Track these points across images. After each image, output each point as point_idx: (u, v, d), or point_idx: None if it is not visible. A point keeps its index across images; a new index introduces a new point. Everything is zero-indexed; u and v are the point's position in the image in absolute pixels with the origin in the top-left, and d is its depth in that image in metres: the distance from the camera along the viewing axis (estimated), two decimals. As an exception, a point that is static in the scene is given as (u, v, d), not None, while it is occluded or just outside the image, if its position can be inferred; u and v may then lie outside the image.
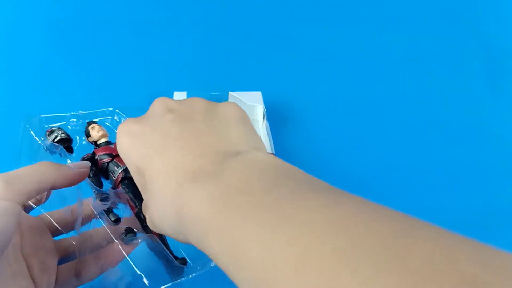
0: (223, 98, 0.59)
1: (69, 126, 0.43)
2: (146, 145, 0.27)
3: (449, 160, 0.69)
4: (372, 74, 0.75)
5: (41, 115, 0.41)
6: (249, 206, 0.20)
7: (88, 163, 0.34)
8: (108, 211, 0.36)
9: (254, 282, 0.18)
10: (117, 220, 0.35)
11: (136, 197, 0.34)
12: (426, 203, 0.61)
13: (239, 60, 0.69)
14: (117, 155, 0.36)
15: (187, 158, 0.25)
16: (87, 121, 0.40)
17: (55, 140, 0.38)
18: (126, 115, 0.45)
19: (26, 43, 0.66)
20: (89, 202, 0.35)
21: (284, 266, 0.17)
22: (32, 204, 0.35)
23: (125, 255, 0.33)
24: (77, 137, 0.42)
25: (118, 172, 0.35)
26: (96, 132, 0.38)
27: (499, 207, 0.60)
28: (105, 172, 0.36)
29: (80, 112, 0.43)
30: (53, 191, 0.36)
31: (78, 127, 0.43)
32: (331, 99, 0.72)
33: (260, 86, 0.62)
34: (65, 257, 0.35)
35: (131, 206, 0.35)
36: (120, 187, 0.35)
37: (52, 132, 0.39)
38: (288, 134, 0.68)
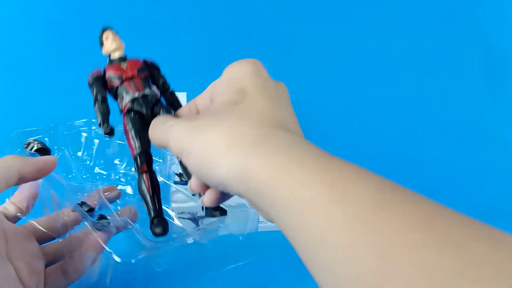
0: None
1: (46, 139, 0.44)
2: None
3: (449, 159, 0.69)
4: (371, 74, 0.76)
5: (17, 130, 0.42)
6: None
7: (54, 158, 0.33)
8: (82, 204, 0.36)
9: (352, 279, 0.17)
10: (91, 210, 0.35)
11: (137, 136, 0.32)
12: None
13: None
14: (127, 79, 0.33)
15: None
16: (102, 27, 0.35)
17: (32, 150, 0.38)
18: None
19: (26, 44, 0.66)
20: (69, 208, 0.35)
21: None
22: (19, 215, 0.35)
23: (102, 244, 0.33)
24: (55, 147, 0.42)
25: (126, 100, 0.33)
26: (109, 43, 0.34)
27: (499, 207, 0.60)
28: (115, 94, 0.34)
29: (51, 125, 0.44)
30: (36, 202, 0.37)
31: (55, 139, 0.44)
32: (331, 99, 0.72)
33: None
34: (52, 261, 0.35)
35: (130, 146, 0.32)
36: (125, 119, 0.32)
37: (28, 144, 0.40)
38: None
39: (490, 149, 0.70)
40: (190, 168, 0.26)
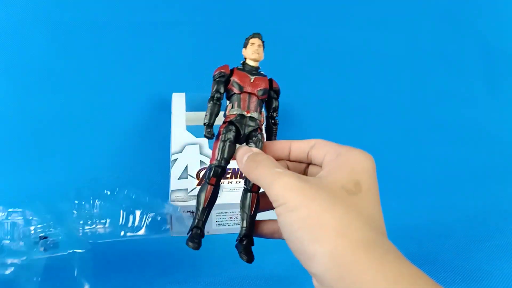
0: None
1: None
2: None
3: (449, 159, 0.69)
4: (371, 74, 0.75)
5: None
6: None
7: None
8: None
9: None
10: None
11: (225, 148, 0.32)
12: (426, 203, 0.61)
13: (239, 61, 0.69)
14: (246, 93, 0.33)
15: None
16: (254, 32, 0.36)
17: None
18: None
19: (26, 45, 0.66)
20: None
21: None
22: None
23: None
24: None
25: (233, 111, 0.33)
26: (252, 50, 0.34)
27: (499, 207, 0.60)
28: (229, 97, 0.34)
29: None
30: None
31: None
32: (330, 99, 0.72)
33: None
34: None
35: (213, 153, 0.33)
36: (223, 129, 0.33)
37: None
38: (287, 135, 0.68)
39: (490, 149, 0.70)
40: (284, 222, 0.26)
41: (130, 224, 0.45)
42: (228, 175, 0.51)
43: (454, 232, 0.52)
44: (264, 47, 0.35)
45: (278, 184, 0.27)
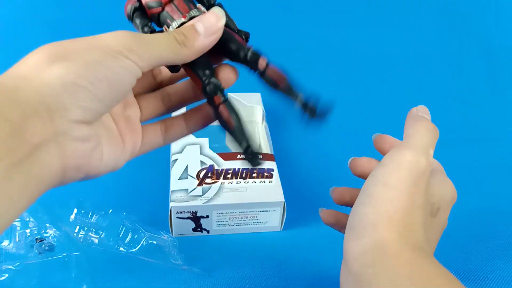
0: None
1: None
2: None
3: (449, 159, 0.69)
4: (371, 74, 0.76)
5: None
6: None
7: (219, 17, 0.27)
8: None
9: None
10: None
11: (201, 67, 0.28)
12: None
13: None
14: (166, 2, 0.28)
15: None
16: None
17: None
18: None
19: (26, 45, 0.66)
20: None
21: None
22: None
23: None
24: None
25: (174, 27, 0.28)
26: None
27: (499, 207, 0.60)
28: (158, 23, 0.29)
29: None
30: None
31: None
32: (331, 98, 0.72)
33: (259, 88, 0.62)
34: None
35: (195, 81, 0.29)
36: None
37: None
38: (287, 135, 0.68)
39: (490, 149, 0.70)
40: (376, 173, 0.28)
41: (127, 241, 0.45)
42: (229, 175, 0.51)
43: (454, 232, 0.52)
44: None
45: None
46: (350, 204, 0.36)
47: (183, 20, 0.28)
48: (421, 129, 0.30)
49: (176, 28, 0.28)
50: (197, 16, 0.28)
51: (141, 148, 0.30)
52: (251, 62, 0.30)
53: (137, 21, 0.29)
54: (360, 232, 0.26)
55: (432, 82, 0.77)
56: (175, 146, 0.55)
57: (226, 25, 0.29)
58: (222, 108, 0.28)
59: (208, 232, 0.50)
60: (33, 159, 0.21)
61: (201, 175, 0.51)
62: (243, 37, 0.31)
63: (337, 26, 0.77)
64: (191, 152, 0.54)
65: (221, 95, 0.28)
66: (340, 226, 0.36)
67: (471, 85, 0.77)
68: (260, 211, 0.50)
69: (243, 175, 0.52)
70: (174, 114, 0.34)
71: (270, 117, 0.63)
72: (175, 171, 0.51)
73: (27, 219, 0.43)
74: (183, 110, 0.34)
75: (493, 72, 0.79)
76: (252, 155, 0.28)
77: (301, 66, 0.73)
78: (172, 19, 0.28)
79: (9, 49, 0.66)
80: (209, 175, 0.50)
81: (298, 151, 0.66)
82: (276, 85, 0.30)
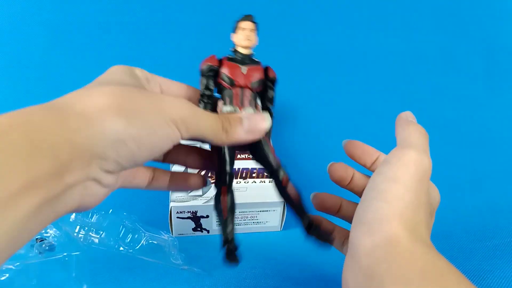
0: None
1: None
2: None
3: (449, 159, 0.69)
4: (370, 73, 0.75)
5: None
6: None
7: (266, 122, 0.29)
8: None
9: None
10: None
11: (229, 153, 0.30)
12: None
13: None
14: (238, 86, 0.30)
15: None
16: (246, 14, 0.31)
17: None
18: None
19: (26, 45, 0.66)
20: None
21: None
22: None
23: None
24: None
25: (225, 109, 0.30)
26: (243, 36, 0.30)
27: (499, 207, 0.60)
28: (220, 91, 0.31)
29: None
30: None
31: None
32: (330, 98, 0.72)
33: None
34: None
35: (213, 159, 0.31)
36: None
37: None
38: (287, 133, 0.68)
39: (490, 149, 0.70)
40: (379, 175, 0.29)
41: (127, 240, 0.45)
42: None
43: (454, 232, 0.52)
44: (257, 29, 0.31)
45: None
46: (330, 211, 0.36)
47: (236, 109, 0.30)
48: (415, 132, 0.31)
49: (226, 113, 0.30)
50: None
51: (127, 184, 0.32)
52: (277, 176, 0.32)
53: (203, 80, 0.30)
54: (373, 227, 0.26)
55: (432, 82, 0.77)
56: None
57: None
58: (223, 198, 0.30)
59: (208, 232, 0.50)
60: (61, 198, 0.21)
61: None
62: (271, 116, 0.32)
63: (335, 27, 0.77)
64: (191, 152, 0.54)
65: (230, 186, 0.30)
66: (333, 211, 0.37)
67: (471, 85, 0.77)
68: (260, 211, 0.50)
69: (243, 175, 0.52)
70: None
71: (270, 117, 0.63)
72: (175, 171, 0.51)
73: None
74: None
75: (493, 72, 0.79)
76: (229, 251, 0.30)
77: (301, 67, 0.73)
78: (231, 103, 0.30)
79: (9, 49, 0.66)
80: (209, 175, 0.51)
81: (298, 151, 0.66)
82: (291, 201, 0.32)
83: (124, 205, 0.50)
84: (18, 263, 0.39)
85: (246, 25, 0.30)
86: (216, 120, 0.28)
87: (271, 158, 0.31)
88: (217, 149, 0.30)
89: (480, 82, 0.78)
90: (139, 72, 0.29)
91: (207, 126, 0.27)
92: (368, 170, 0.36)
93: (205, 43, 0.70)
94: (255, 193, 0.50)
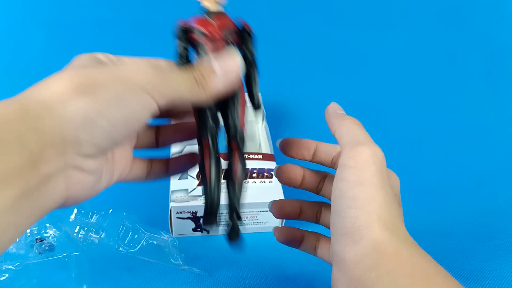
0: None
1: None
2: None
3: (449, 159, 0.69)
4: (370, 73, 0.76)
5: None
6: None
7: (235, 57, 0.27)
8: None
9: None
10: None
11: (211, 117, 0.29)
12: (426, 203, 0.61)
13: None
14: (213, 39, 0.29)
15: None
16: None
17: None
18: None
19: (26, 45, 0.66)
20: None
21: None
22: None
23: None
24: None
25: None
26: None
27: (499, 207, 0.60)
28: (196, 49, 0.29)
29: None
30: None
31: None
32: (329, 99, 0.72)
33: (260, 88, 0.62)
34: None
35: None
36: None
37: None
38: (287, 135, 0.68)
39: (490, 149, 0.70)
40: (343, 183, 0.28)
41: (127, 241, 0.45)
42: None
43: (454, 232, 0.52)
44: None
45: (347, 129, 0.29)
46: (290, 216, 0.36)
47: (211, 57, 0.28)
48: (352, 125, 0.30)
49: (197, 66, 0.28)
50: None
51: (124, 178, 0.31)
52: (230, 143, 0.30)
53: (179, 42, 0.29)
54: (355, 236, 0.26)
55: (432, 82, 0.77)
56: (175, 146, 0.55)
57: (248, 81, 0.30)
58: (206, 163, 0.29)
59: (208, 232, 0.50)
60: (42, 190, 0.21)
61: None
62: (255, 106, 0.31)
63: (334, 28, 0.77)
64: (191, 152, 0.54)
65: (214, 148, 0.29)
66: (296, 242, 0.36)
67: (471, 85, 0.78)
68: (260, 211, 0.50)
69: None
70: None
71: (270, 117, 0.63)
72: (175, 171, 0.51)
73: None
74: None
75: (493, 72, 0.79)
76: (208, 214, 0.28)
77: (301, 68, 0.73)
78: (207, 54, 0.28)
79: (9, 49, 0.66)
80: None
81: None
82: (229, 177, 0.30)
83: (124, 205, 0.50)
84: (18, 263, 0.39)
85: None
86: (188, 76, 0.26)
87: (232, 121, 0.29)
88: (200, 114, 0.29)
89: (480, 82, 0.78)
90: (102, 56, 0.27)
91: (181, 85, 0.25)
92: (313, 163, 0.35)
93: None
94: (255, 193, 0.50)
